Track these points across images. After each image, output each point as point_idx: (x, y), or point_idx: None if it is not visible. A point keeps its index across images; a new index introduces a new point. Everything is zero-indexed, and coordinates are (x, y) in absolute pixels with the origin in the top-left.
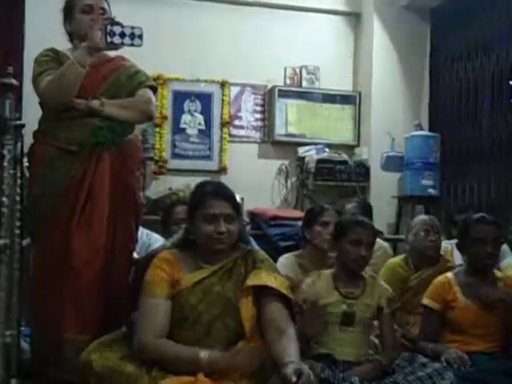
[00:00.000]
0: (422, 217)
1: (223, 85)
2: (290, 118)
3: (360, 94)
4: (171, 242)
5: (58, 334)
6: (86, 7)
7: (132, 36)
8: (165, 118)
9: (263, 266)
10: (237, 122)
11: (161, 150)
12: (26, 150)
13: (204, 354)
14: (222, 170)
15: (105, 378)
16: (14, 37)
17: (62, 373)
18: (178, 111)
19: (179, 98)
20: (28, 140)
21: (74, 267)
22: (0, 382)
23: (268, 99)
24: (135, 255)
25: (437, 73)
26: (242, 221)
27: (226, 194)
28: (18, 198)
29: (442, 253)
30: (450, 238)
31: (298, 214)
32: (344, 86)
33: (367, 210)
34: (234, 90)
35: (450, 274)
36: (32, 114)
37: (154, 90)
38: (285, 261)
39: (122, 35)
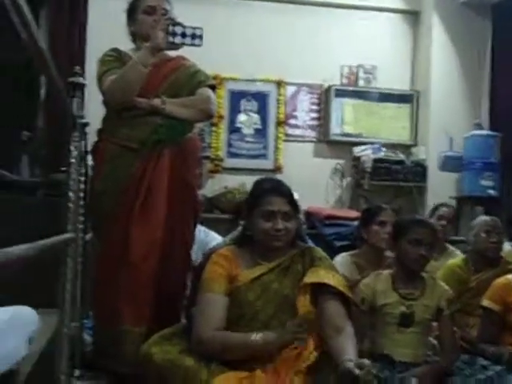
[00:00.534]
0: (484, 217)
1: (279, 84)
2: (346, 117)
3: (418, 93)
4: (230, 238)
5: (116, 325)
6: (149, 8)
7: (193, 36)
8: (221, 117)
9: (321, 264)
10: (292, 122)
11: (217, 149)
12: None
13: (257, 335)
14: (277, 169)
15: (164, 370)
16: (77, 37)
17: (120, 365)
18: (234, 110)
19: (235, 97)
20: (91, 138)
21: (132, 261)
22: (64, 372)
23: (324, 98)
24: (192, 252)
25: (498, 70)
26: (299, 219)
27: (284, 192)
28: (81, 194)
29: (502, 254)
30: (511, 239)
31: (354, 213)
32: (401, 84)
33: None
34: (290, 90)
35: (511, 276)
36: (93, 113)
37: (214, 88)
38: (341, 260)
39: (184, 35)
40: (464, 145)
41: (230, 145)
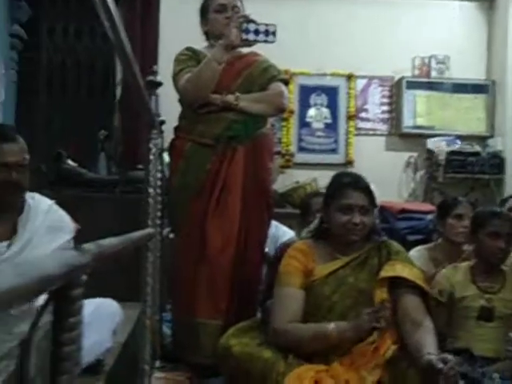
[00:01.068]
0: None
1: (349, 78)
2: (419, 109)
3: (494, 83)
4: (307, 231)
5: (193, 318)
6: (220, 6)
7: (266, 33)
8: (291, 112)
9: (398, 258)
10: (363, 115)
11: (287, 144)
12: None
13: (332, 325)
14: (349, 163)
15: (243, 362)
16: (150, 37)
17: (198, 357)
18: (304, 105)
19: (305, 92)
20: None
21: (208, 256)
22: (148, 363)
23: (395, 91)
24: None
25: None
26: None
27: (363, 186)
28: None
29: None
30: None
31: (428, 207)
32: (476, 74)
33: None
34: (361, 83)
35: None
36: (166, 111)
37: (286, 83)
38: (417, 254)
39: (257, 32)
40: None
41: (300, 140)
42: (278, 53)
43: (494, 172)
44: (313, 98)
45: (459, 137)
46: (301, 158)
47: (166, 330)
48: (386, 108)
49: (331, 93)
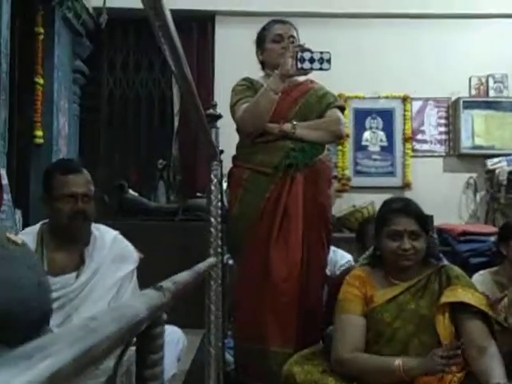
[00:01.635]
0: None
1: (404, 100)
2: (477, 129)
3: None
4: (363, 258)
5: (263, 346)
6: (277, 36)
7: (321, 60)
8: (347, 136)
9: (459, 283)
10: (420, 137)
11: (343, 168)
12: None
13: (399, 361)
14: (406, 185)
15: None
16: (206, 68)
17: None
18: (359, 129)
19: (360, 115)
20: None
21: (274, 283)
22: None
23: (452, 111)
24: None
25: None
26: (432, 237)
27: (411, 211)
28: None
29: None
30: None
31: (490, 228)
32: None
33: None
34: (416, 105)
35: None
36: (224, 140)
37: (343, 109)
38: (480, 277)
39: (312, 60)
40: None
41: (356, 163)
42: (332, 77)
43: None
44: (368, 121)
45: None
46: (357, 181)
47: (229, 357)
48: (442, 129)
49: (386, 115)
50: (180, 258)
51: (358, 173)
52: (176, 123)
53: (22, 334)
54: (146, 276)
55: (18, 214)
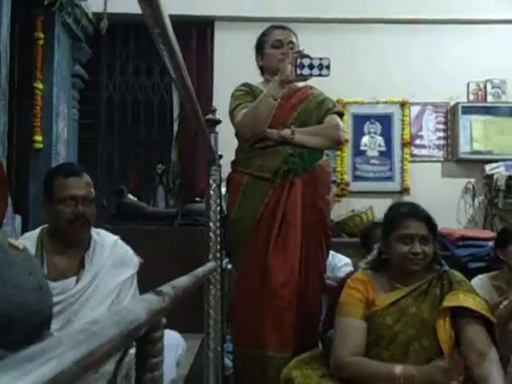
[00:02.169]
0: None
1: (403, 105)
2: (475, 134)
3: None
4: (365, 262)
5: (261, 351)
6: (276, 42)
7: (320, 67)
8: (346, 141)
9: (460, 287)
10: (418, 142)
11: (342, 173)
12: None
13: (398, 368)
14: (405, 190)
15: None
16: (204, 74)
17: None
18: (357, 134)
19: (359, 120)
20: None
21: (272, 288)
22: None
23: (451, 117)
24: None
25: None
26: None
27: (422, 215)
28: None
29: None
30: None
31: (488, 233)
32: None
33: None
34: (415, 110)
35: None
36: (223, 145)
37: (341, 115)
38: (479, 282)
39: (311, 67)
40: None
41: (355, 168)
42: (330, 82)
43: None
44: (366, 126)
45: None
46: (356, 186)
47: (228, 361)
48: (441, 134)
49: (385, 120)
50: (179, 262)
51: (356, 178)
52: (175, 128)
53: (23, 339)
54: (146, 280)
55: (18, 219)
